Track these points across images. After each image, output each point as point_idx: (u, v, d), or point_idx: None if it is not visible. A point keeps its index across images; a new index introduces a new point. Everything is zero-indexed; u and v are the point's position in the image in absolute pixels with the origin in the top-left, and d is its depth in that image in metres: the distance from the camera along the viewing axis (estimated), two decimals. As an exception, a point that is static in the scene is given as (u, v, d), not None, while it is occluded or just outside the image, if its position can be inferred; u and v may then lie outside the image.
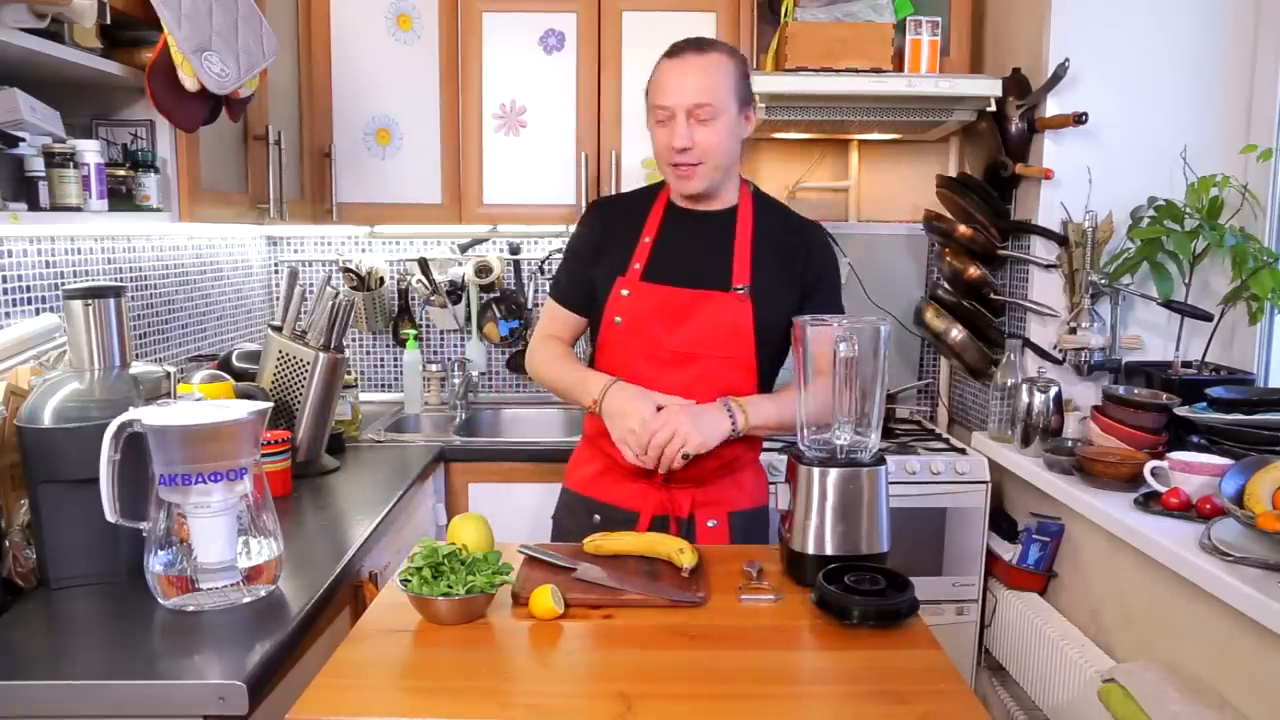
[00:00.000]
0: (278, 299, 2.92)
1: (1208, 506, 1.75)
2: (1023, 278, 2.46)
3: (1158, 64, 2.29)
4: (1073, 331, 2.30)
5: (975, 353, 2.56)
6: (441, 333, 3.05)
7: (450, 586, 1.25)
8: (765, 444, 2.52)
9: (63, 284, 1.87)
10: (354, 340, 3.03)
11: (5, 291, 1.72)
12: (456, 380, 2.89)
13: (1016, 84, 2.41)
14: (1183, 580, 1.64)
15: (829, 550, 1.39)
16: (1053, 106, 2.32)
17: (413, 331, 2.91)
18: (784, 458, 1.68)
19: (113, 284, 1.71)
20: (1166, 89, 2.30)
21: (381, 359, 3.06)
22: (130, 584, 1.38)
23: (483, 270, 2.92)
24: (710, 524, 1.72)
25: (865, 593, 1.28)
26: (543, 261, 3.01)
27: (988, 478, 2.43)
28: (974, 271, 2.49)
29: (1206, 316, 2.17)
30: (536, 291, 3.02)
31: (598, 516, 1.74)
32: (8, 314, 1.72)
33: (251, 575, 1.35)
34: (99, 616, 1.31)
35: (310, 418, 2.06)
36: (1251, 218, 2.22)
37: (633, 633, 1.25)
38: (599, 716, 1.04)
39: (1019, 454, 2.29)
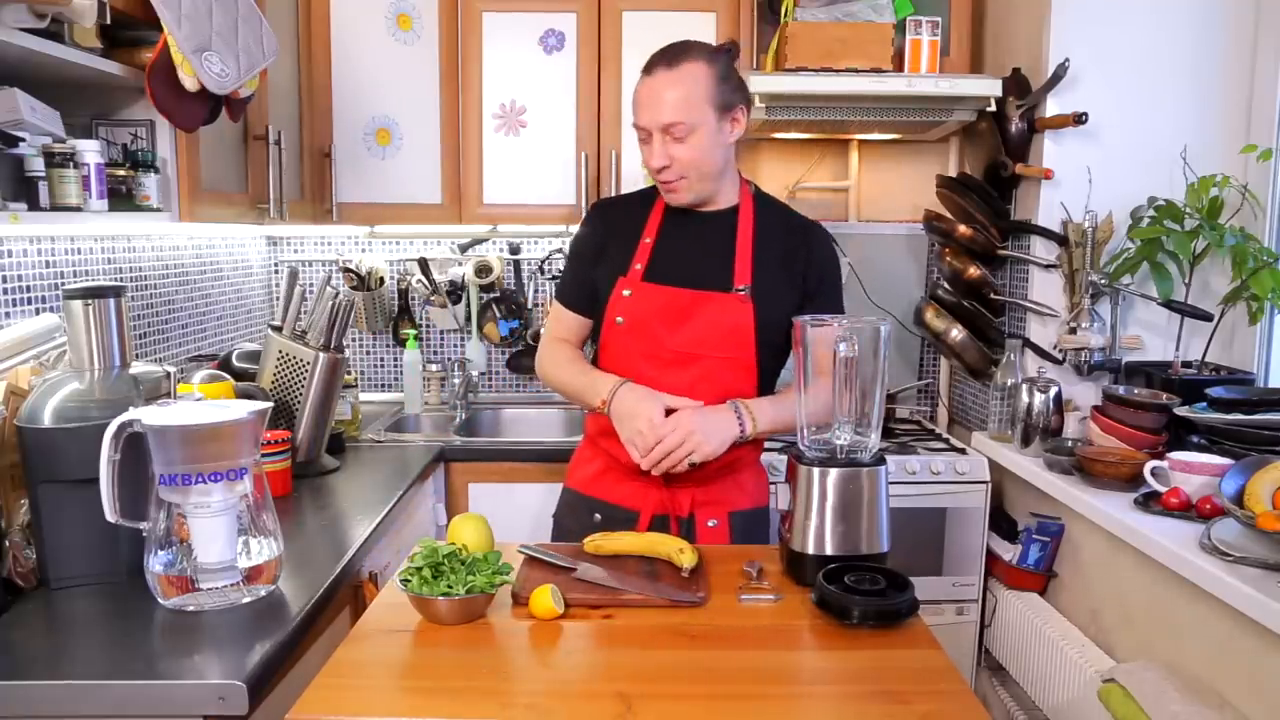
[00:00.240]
0: (278, 299, 2.92)
1: (1208, 506, 1.75)
2: (1023, 278, 2.46)
3: (1158, 64, 2.29)
4: (1073, 331, 2.30)
5: (975, 353, 2.56)
6: (441, 333, 3.05)
7: (450, 586, 1.25)
8: (766, 444, 2.53)
9: (63, 284, 1.87)
10: (354, 340, 3.03)
11: (5, 291, 1.72)
12: (456, 380, 2.89)
13: (1016, 84, 2.41)
14: (1183, 580, 1.64)
15: (829, 550, 1.39)
16: (1053, 106, 2.32)
17: (413, 331, 2.91)
18: (784, 458, 1.68)
19: (113, 284, 1.71)
20: (1166, 89, 2.30)
21: (381, 359, 3.06)
22: (130, 584, 1.38)
23: (483, 270, 2.92)
24: (710, 523, 1.72)
25: (865, 593, 1.28)
26: (543, 261, 3.01)
27: (988, 478, 2.43)
28: (974, 271, 2.49)
29: (1206, 316, 2.17)
30: (536, 291, 3.02)
31: (598, 516, 1.74)
32: (8, 314, 1.72)
33: (251, 575, 1.35)
34: (99, 616, 1.31)
35: (310, 418, 2.06)
36: (1251, 218, 2.22)
37: (633, 633, 1.25)
38: (599, 716, 1.04)
39: (1019, 454, 2.29)
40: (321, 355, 2.05)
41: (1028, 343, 2.42)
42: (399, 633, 1.24)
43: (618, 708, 1.05)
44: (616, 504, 1.74)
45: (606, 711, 1.04)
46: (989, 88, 2.38)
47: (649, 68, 1.63)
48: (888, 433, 2.67)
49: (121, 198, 1.70)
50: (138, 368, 1.49)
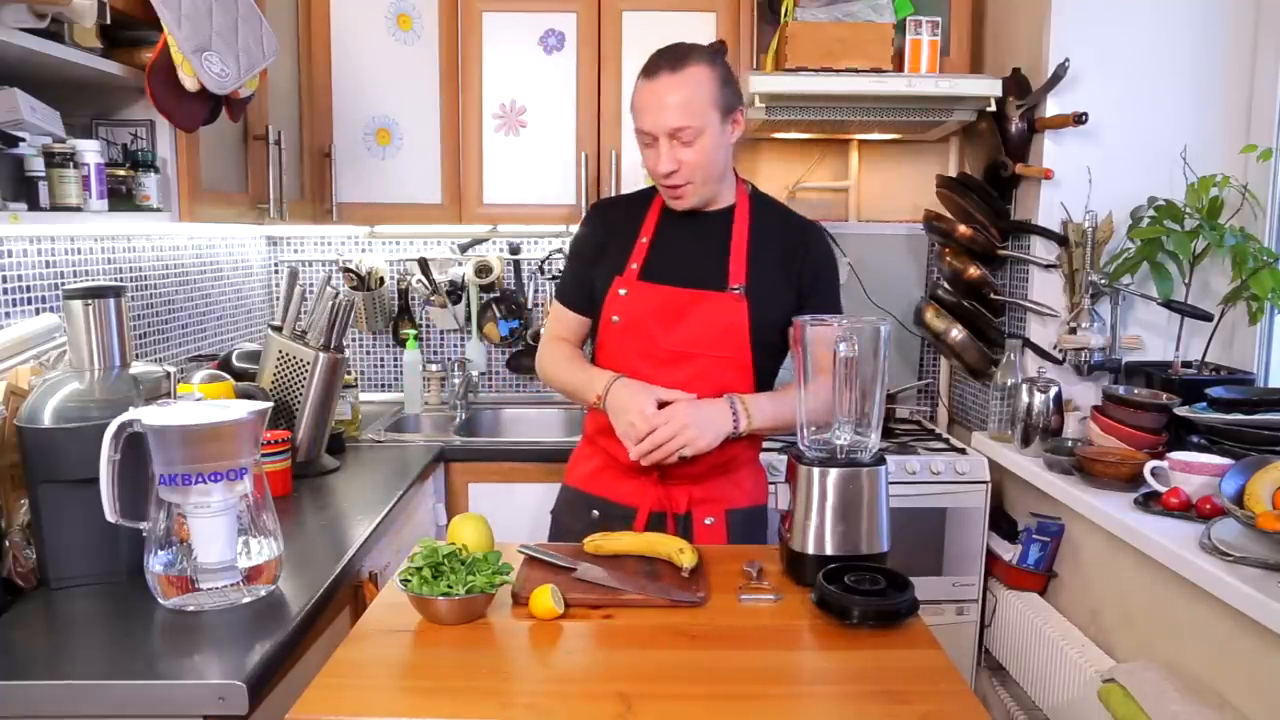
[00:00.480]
0: (278, 299, 2.92)
1: (1208, 506, 1.75)
2: (1023, 278, 2.46)
3: (1158, 64, 2.29)
4: (1073, 331, 2.30)
5: (975, 353, 2.56)
6: (441, 333, 3.05)
7: (450, 586, 1.25)
8: (765, 444, 2.53)
9: (63, 284, 1.87)
10: (354, 340, 3.03)
11: (5, 291, 1.72)
12: (456, 380, 2.89)
13: (1016, 84, 2.41)
14: (1183, 580, 1.64)
15: (829, 550, 1.39)
16: (1053, 106, 2.32)
17: (413, 331, 2.91)
18: (784, 458, 1.68)
19: (113, 284, 1.71)
20: (1166, 89, 2.30)
21: (381, 359, 3.06)
22: (130, 584, 1.38)
23: (483, 270, 2.92)
24: (708, 521, 1.73)
25: (865, 593, 1.28)
26: (543, 261, 3.01)
27: (988, 478, 2.43)
28: (974, 271, 2.49)
29: (1206, 316, 2.17)
30: (536, 291, 3.02)
31: (596, 512, 1.75)
32: (8, 314, 1.72)
33: (251, 575, 1.35)
34: (99, 616, 1.31)
35: (310, 418, 2.06)
36: (1251, 218, 2.22)
37: (633, 633, 1.25)
38: (599, 716, 1.04)
39: (1019, 454, 2.29)
40: (321, 355, 2.05)
41: (1028, 343, 2.42)
42: (399, 633, 1.24)
43: (618, 708, 1.05)
44: (614, 501, 1.75)
45: (606, 711, 1.04)
46: (989, 88, 2.38)
47: (651, 71, 1.61)
48: (888, 433, 2.67)
49: (121, 198, 1.70)
50: (138, 368, 1.49)
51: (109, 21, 1.50)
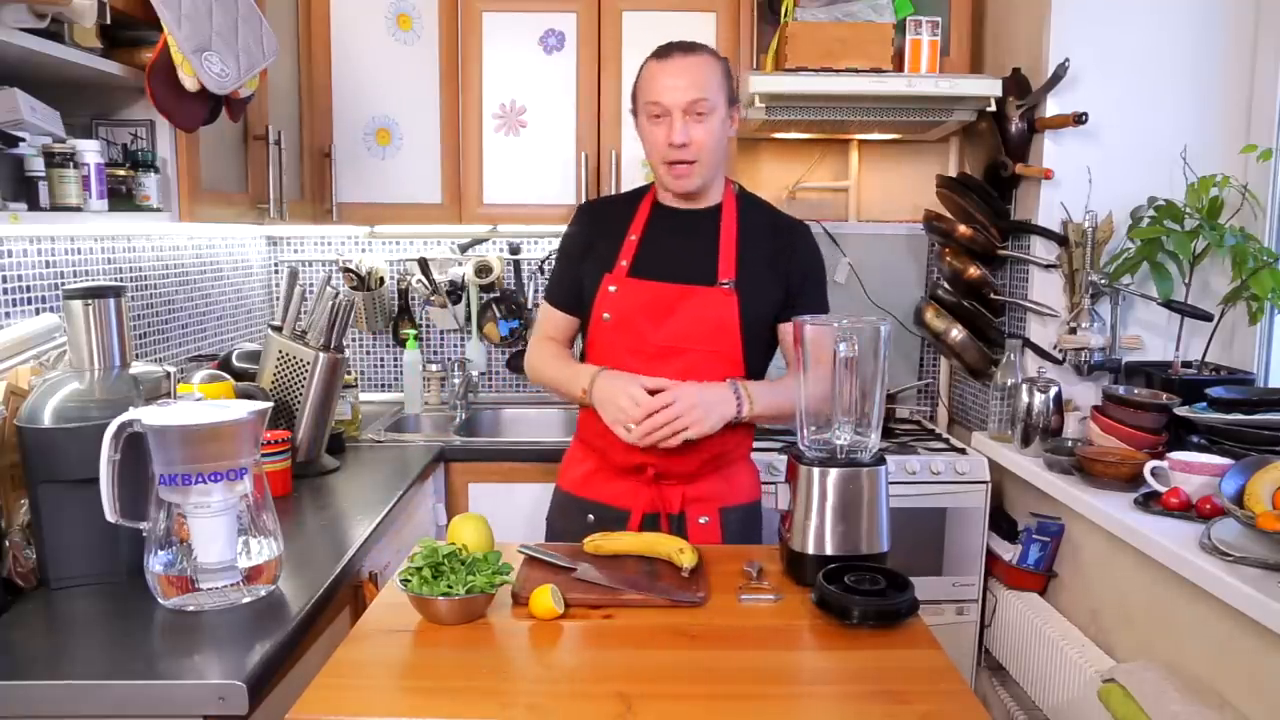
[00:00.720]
0: (278, 299, 2.92)
1: (1208, 506, 1.75)
2: (1023, 278, 2.46)
3: (1158, 64, 2.29)
4: (1073, 331, 2.30)
5: (975, 353, 2.56)
6: (441, 333, 3.05)
7: (450, 586, 1.25)
8: (765, 444, 2.53)
9: (63, 284, 1.87)
10: (354, 340, 3.03)
11: (5, 291, 1.72)
12: (456, 380, 2.89)
13: (1016, 84, 2.41)
14: (1183, 580, 1.64)
15: (829, 550, 1.39)
16: (1053, 106, 2.32)
17: (413, 331, 2.91)
18: (784, 458, 1.68)
19: (113, 284, 1.71)
20: (1166, 89, 2.30)
21: (381, 359, 3.06)
22: (130, 584, 1.38)
23: (483, 270, 2.92)
24: (702, 520, 1.73)
25: (865, 593, 1.28)
26: (543, 261, 3.01)
27: (988, 478, 2.43)
28: (974, 271, 2.49)
29: (1206, 316, 2.17)
30: (536, 291, 3.02)
31: (591, 516, 1.76)
32: (8, 314, 1.72)
33: (251, 575, 1.35)
34: (99, 616, 1.31)
35: (310, 418, 2.06)
36: (1251, 218, 2.22)
37: (633, 633, 1.25)
38: (599, 716, 1.04)
39: (1019, 454, 2.29)
40: (321, 355, 2.05)
41: (1028, 343, 2.42)
42: (399, 633, 1.24)
43: (618, 708, 1.05)
44: (608, 504, 1.75)
45: (606, 711, 1.04)
46: (989, 88, 2.38)
47: (664, 54, 1.66)
48: (888, 433, 2.67)
49: (121, 198, 1.70)
50: (138, 368, 1.49)
51: (109, 21, 1.50)
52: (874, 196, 2.97)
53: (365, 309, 2.90)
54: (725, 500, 1.76)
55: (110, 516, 1.31)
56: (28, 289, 1.78)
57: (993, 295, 2.49)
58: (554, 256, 2.95)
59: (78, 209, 1.55)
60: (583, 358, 1.80)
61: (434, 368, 2.96)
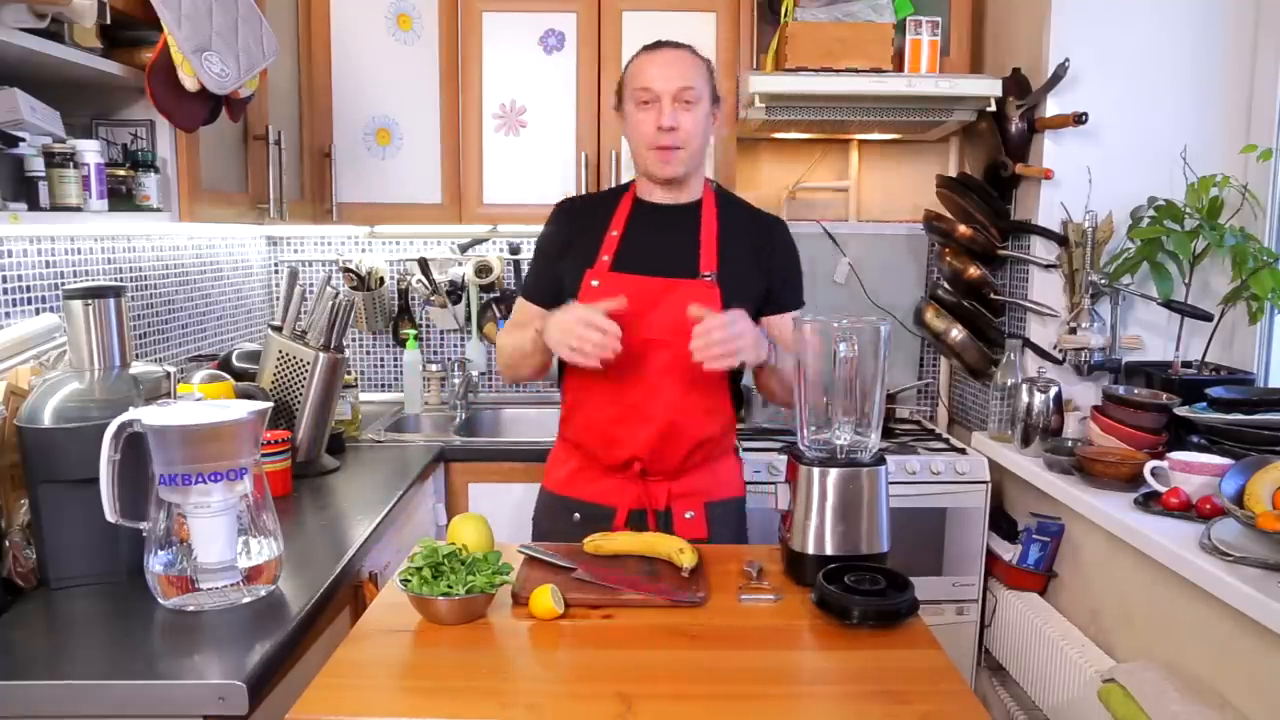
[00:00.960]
0: (278, 299, 2.92)
1: (1208, 506, 1.75)
2: (1023, 278, 2.46)
3: (1158, 64, 2.29)
4: (1073, 331, 2.30)
5: (975, 353, 2.56)
6: (441, 333, 3.05)
7: (450, 586, 1.25)
8: (765, 444, 2.53)
9: (63, 284, 1.87)
10: (354, 340, 3.03)
11: (5, 291, 1.72)
12: (456, 380, 2.89)
13: (1016, 84, 2.41)
14: (1183, 580, 1.64)
15: (829, 550, 1.39)
16: (1053, 106, 2.32)
17: (413, 331, 2.91)
18: (784, 458, 1.68)
19: (113, 284, 1.71)
20: (1166, 89, 2.30)
21: (381, 359, 3.06)
22: (130, 584, 1.38)
23: (483, 270, 2.92)
24: (688, 515, 1.75)
25: (865, 593, 1.28)
26: (543, 261, 3.01)
27: (988, 478, 2.43)
28: (974, 271, 2.49)
29: (1206, 316, 2.17)
30: (536, 291, 3.02)
31: (577, 515, 1.77)
32: (8, 314, 1.72)
33: (251, 575, 1.35)
34: (99, 616, 1.31)
35: (310, 418, 2.06)
36: (1251, 218, 2.22)
37: (633, 633, 1.25)
38: (599, 716, 1.04)
39: (1019, 454, 2.29)
40: (321, 355, 2.05)
41: (1028, 343, 2.42)
42: (399, 633, 1.24)
43: (618, 708, 1.05)
44: (593, 502, 1.76)
45: (606, 711, 1.04)
46: (989, 88, 2.38)
47: (653, 47, 1.71)
48: (888, 433, 2.67)
49: (121, 198, 1.70)
50: (138, 368, 1.49)
51: (109, 21, 1.50)
52: (874, 196, 2.97)
53: (365, 309, 2.90)
54: (711, 495, 1.78)
55: (110, 516, 1.31)
56: (28, 289, 1.78)
57: (993, 295, 2.49)
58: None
59: (78, 209, 1.55)
60: (562, 360, 1.78)
61: (434, 368, 2.95)
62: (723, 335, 1.52)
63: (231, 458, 1.31)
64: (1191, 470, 1.84)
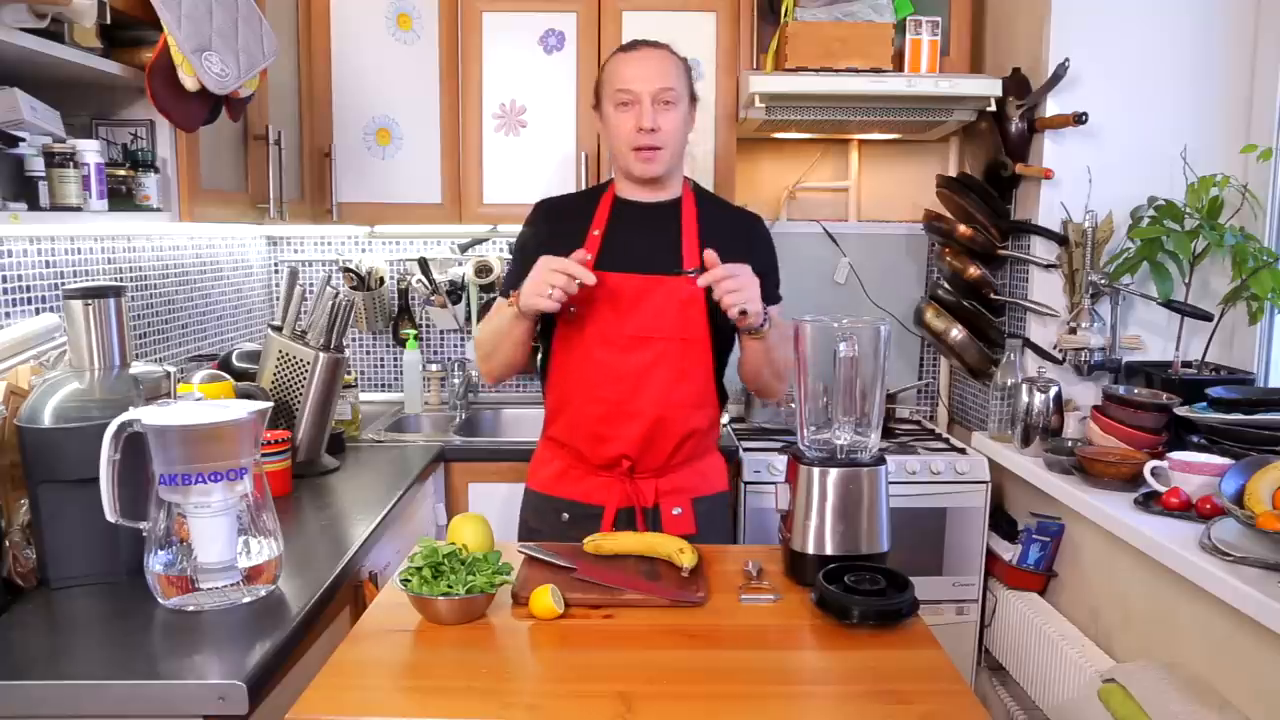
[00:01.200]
0: (278, 299, 2.92)
1: (1208, 506, 1.75)
2: (1023, 278, 2.46)
3: (1158, 64, 2.29)
4: (1073, 331, 2.30)
5: (975, 353, 2.56)
6: (441, 333, 3.05)
7: (450, 586, 1.25)
8: (765, 444, 2.53)
9: (63, 284, 1.87)
10: (354, 340, 3.03)
11: (5, 291, 1.72)
12: (456, 380, 2.89)
13: (1016, 84, 2.41)
14: (1183, 580, 1.64)
15: (829, 550, 1.39)
16: (1053, 106, 2.32)
17: (413, 331, 2.91)
18: (784, 458, 1.69)
19: (113, 284, 1.71)
20: (1166, 89, 2.30)
21: (381, 359, 3.06)
22: (130, 584, 1.38)
23: (483, 270, 2.92)
24: (675, 511, 1.76)
25: (865, 593, 1.28)
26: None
27: (988, 478, 2.43)
28: (974, 271, 2.49)
29: (1206, 316, 2.17)
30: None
31: (565, 515, 1.78)
32: (8, 314, 1.72)
33: (251, 575, 1.35)
34: (99, 616, 1.31)
35: (310, 418, 2.06)
36: (1251, 218, 2.22)
37: (633, 633, 1.25)
38: (599, 716, 1.04)
39: (1019, 454, 2.29)
40: (321, 355, 2.05)
41: (1028, 343, 2.42)
42: (399, 633, 1.24)
43: (618, 708, 1.05)
44: (581, 501, 1.77)
45: (606, 711, 1.04)
46: (989, 88, 2.38)
47: (631, 47, 1.73)
48: (888, 433, 2.67)
49: (121, 198, 1.70)
50: (138, 368, 1.49)
51: (109, 21, 1.50)
52: (874, 196, 2.97)
53: (365, 309, 2.91)
54: (696, 491, 1.79)
55: (110, 516, 1.31)
56: (28, 289, 1.78)
57: (993, 295, 2.49)
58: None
59: (78, 209, 1.55)
60: (547, 354, 1.81)
61: (434, 368, 2.95)
62: (735, 283, 1.55)
63: (231, 458, 1.31)
64: (1191, 470, 1.84)
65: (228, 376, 1.99)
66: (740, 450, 2.44)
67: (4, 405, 1.39)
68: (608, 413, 1.72)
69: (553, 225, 1.81)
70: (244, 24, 1.76)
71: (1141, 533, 1.75)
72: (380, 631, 1.24)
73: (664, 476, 1.76)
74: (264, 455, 1.62)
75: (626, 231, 1.76)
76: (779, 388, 1.82)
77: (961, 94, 2.40)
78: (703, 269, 1.70)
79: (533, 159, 2.64)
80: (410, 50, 2.59)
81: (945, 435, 2.73)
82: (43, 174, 1.51)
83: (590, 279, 1.56)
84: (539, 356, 1.87)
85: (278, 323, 2.11)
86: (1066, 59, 2.24)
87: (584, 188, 2.61)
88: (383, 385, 3.06)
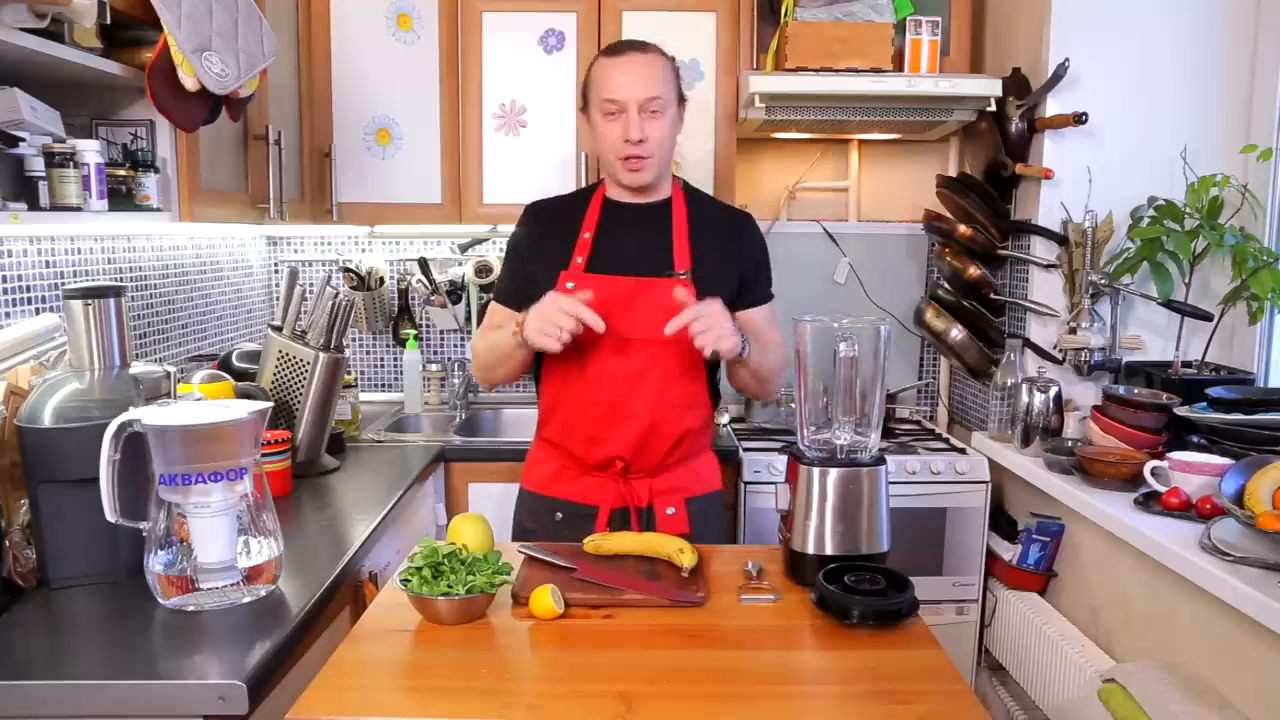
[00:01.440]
0: (278, 299, 2.92)
1: (1208, 506, 1.75)
2: (1023, 278, 2.46)
3: (1158, 64, 2.29)
4: (1073, 331, 2.30)
5: (975, 353, 2.56)
6: (441, 333, 3.05)
7: (450, 586, 1.25)
8: (765, 443, 2.53)
9: (63, 284, 1.87)
10: (354, 340, 3.03)
11: (5, 291, 1.72)
12: (456, 380, 2.89)
13: (1016, 84, 2.41)
14: (1183, 580, 1.64)
15: (829, 550, 1.39)
16: (1053, 106, 2.32)
17: (413, 331, 2.91)
18: (784, 458, 1.69)
19: (113, 284, 1.71)
20: (1166, 89, 2.30)
21: (381, 359, 3.06)
22: (130, 584, 1.38)
23: (483, 270, 2.92)
24: (669, 511, 1.76)
25: (865, 593, 1.28)
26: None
27: (988, 478, 2.43)
28: (974, 271, 2.49)
29: (1206, 316, 2.17)
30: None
31: (560, 515, 1.78)
32: (8, 314, 1.72)
33: (251, 575, 1.35)
34: (99, 616, 1.31)
35: (310, 418, 2.06)
36: (1251, 218, 2.22)
37: (633, 633, 1.25)
38: (599, 716, 1.04)
39: (1019, 454, 2.29)
40: (321, 355, 2.05)
41: (1028, 343, 2.42)
42: (399, 633, 1.24)
43: (618, 708, 1.05)
44: (575, 501, 1.77)
45: (606, 711, 1.04)
46: (989, 88, 2.38)
47: (617, 50, 1.72)
48: (888, 433, 2.67)
49: (121, 198, 1.70)
50: (138, 368, 1.49)
51: (109, 21, 1.50)
52: (874, 196, 2.97)
53: (365, 309, 2.91)
54: (690, 491, 1.79)
55: (110, 516, 1.31)
56: (28, 289, 1.78)
57: (993, 295, 2.49)
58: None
59: (78, 209, 1.55)
60: (539, 359, 1.77)
61: (434, 368, 2.96)
62: (715, 317, 1.55)
63: (231, 458, 1.31)
64: (1191, 470, 1.84)
65: (228, 376, 1.99)
66: (740, 450, 2.44)
67: (4, 405, 1.39)
68: (602, 415, 1.72)
69: (543, 225, 1.81)
70: (244, 24, 1.76)
71: (1141, 533, 1.75)
72: (380, 631, 1.24)
73: (658, 476, 1.76)
74: (264, 455, 1.62)
75: (617, 233, 1.76)
76: (768, 390, 1.83)
77: (961, 94, 2.40)
78: (692, 272, 1.70)
79: (533, 159, 2.64)
80: (410, 50, 2.59)
81: (945, 435, 2.73)
82: (43, 174, 1.51)
83: (599, 326, 1.55)
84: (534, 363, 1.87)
85: (278, 323, 2.11)
86: (1066, 59, 2.24)
87: (582, 187, 2.62)
88: (383, 385, 3.06)
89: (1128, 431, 2.06)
